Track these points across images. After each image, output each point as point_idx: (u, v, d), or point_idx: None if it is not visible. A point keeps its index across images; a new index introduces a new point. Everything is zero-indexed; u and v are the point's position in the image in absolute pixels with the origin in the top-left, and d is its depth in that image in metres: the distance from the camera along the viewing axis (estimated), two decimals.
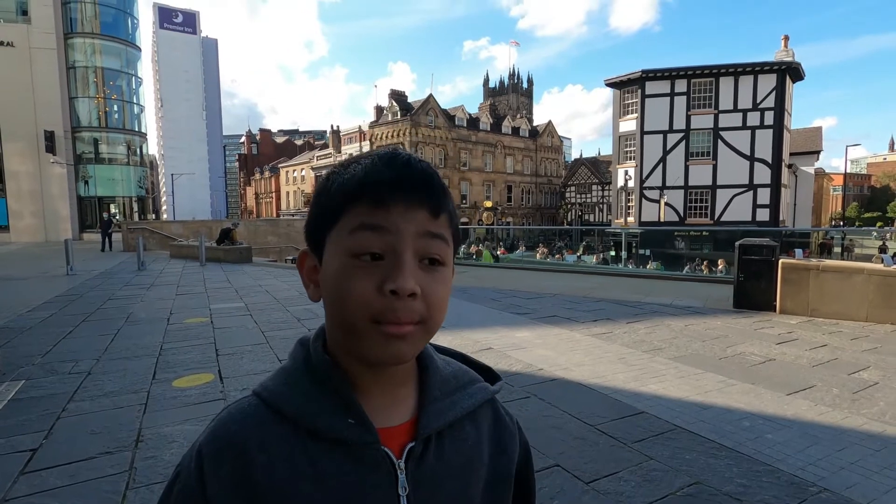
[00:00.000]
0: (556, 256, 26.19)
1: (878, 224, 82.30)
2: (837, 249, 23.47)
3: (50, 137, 29.12)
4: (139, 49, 37.25)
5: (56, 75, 29.94)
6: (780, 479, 2.31)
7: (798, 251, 6.69)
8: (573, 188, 57.11)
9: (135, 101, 36.88)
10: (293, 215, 61.75)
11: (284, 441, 0.48)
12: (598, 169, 54.06)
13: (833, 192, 79.38)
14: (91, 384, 3.74)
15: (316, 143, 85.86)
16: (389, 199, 0.47)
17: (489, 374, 0.63)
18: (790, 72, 26.28)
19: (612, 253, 23.93)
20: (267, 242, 26.62)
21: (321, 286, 0.51)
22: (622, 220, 29.48)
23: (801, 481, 2.29)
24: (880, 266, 5.93)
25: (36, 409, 3.25)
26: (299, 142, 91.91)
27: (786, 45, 27.91)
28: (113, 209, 34.34)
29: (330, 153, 58.58)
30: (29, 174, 29.21)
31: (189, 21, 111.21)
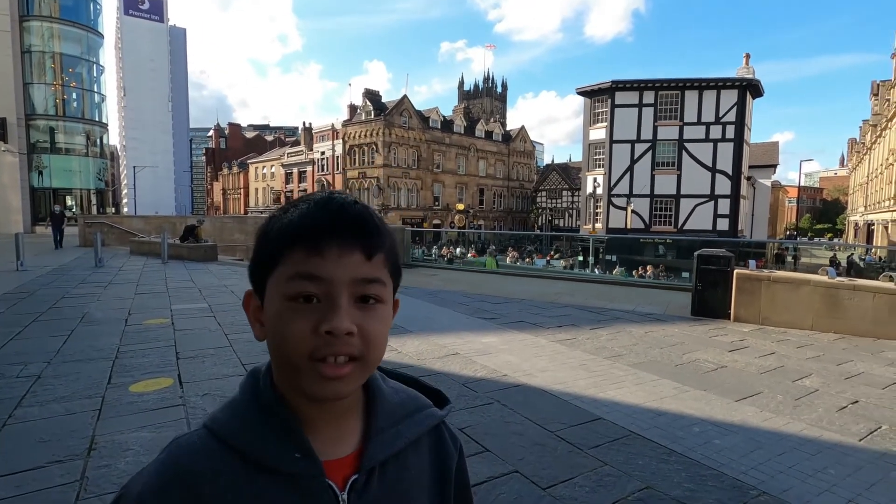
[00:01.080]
0: (527, 260, 26.54)
1: (829, 235, 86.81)
2: (791, 259, 24.67)
3: (1, 124, 27.63)
4: (101, 35, 35.77)
5: (10, 59, 28.44)
6: (724, 483, 2.44)
7: (752, 262, 7.04)
8: (544, 193, 57.99)
9: (95, 89, 35.38)
10: (261, 212, 60.43)
11: (232, 473, 0.51)
12: (569, 175, 55.07)
13: (788, 203, 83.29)
14: (41, 389, 3.59)
15: (287, 139, 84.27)
16: (323, 245, 0.50)
17: (439, 398, 0.66)
18: (750, 88, 27.48)
19: (580, 258, 24.42)
20: (234, 240, 25.96)
21: (265, 325, 0.54)
22: (590, 226, 30.16)
23: (743, 485, 2.43)
24: (825, 278, 6.29)
25: None
26: (270, 137, 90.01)
27: (747, 63, 29.16)
28: (69, 201, 32.83)
29: (301, 150, 57.63)
30: None
31: (156, 8, 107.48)
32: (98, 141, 35.84)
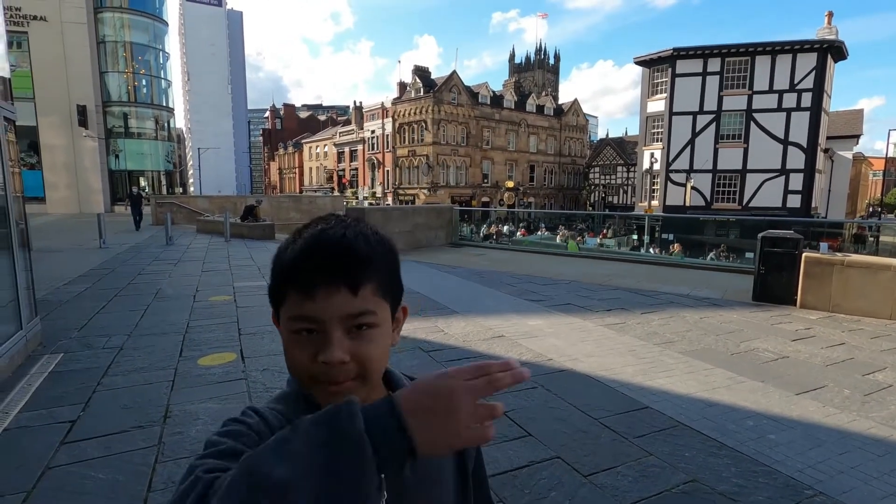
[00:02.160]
0: (578, 239, 25.93)
1: None
2: (871, 240, 22.63)
3: (82, 111, 29.87)
4: (166, 23, 37.59)
5: (87, 50, 30.50)
6: (776, 480, 2.36)
7: (823, 245, 6.54)
8: (597, 169, 56.01)
9: (162, 75, 37.41)
10: (316, 191, 62.36)
11: None
12: (624, 150, 52.79)
13: (873, 177, 75.84)
14: (123, 360, 3.98)
15: (339, 118, 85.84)
16: (312, 289, 0.56)
17: None
18: (832, 51, 24.99)
19: (635, 237, 23.56)
20: (290, 219, 27.05)
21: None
22: (646, 204, 28.93)
23: (798, 483, 2.34)
24: None
25: (74, 382, 3.50)
26: (323, 117, 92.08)
27: (829, 22, 26.47)
28: (142, 182, 35.29)
29: (352, 129, 58.56)
30: (63, 147, 30.10)
31: None
32: (166, 125, 38.09)
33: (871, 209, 61.30)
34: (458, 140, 47.92)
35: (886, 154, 47.24)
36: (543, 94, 63.49)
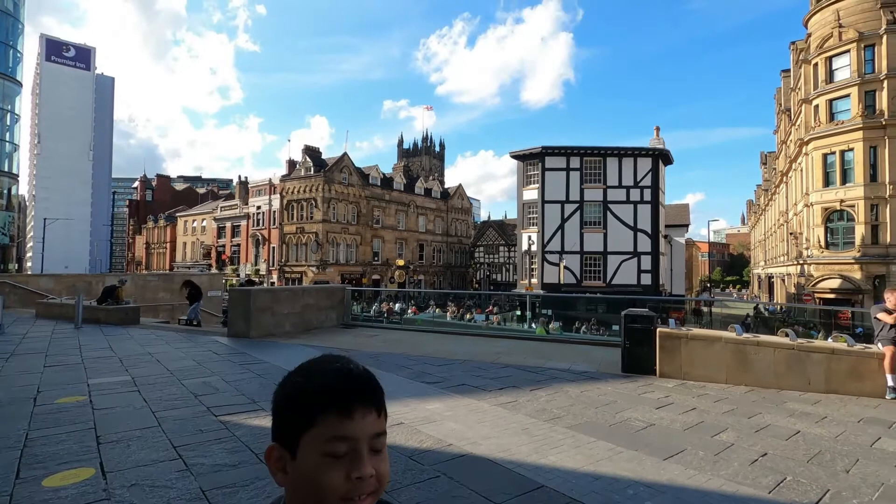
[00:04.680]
0: (468, 316, 26.84)
1: (738, 287, 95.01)
2: (706, 310, 26.76)
3: None
4: (20, 84, 33.88)
5: None
6: None
7: (672, 321, 7.65)
8: (482, 248, 59.64)
9: (7, 138, 33.02)
10: (189, 267, 57.22)
11: None
12: (505, 231, 57.28)
13: (701, 258, 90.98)
14: None
15: (221, 192, 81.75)
16: (353, 410, 0.67)
17: None
18: (662, 157, 30.63)
19: (518, 313, 25.07)
20: (158, 299, 24.31)
21: (291, 474, 0.68)
22: (527, 281, 31.25)
23: None
24: (734, 335, 6.98)
25: None
26: (202, 190, 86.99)
27: (658, 135, 32.62)
28: None
29: (236, 204, 56.05)
30: None
31: (83, 56, 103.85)
32: (5, 192, 33.03)
33: (703, 285, 72.74)
34: (349, 218, 48.26)
35: (709, 239, 56.95)
36: (431, 178, 67.51)
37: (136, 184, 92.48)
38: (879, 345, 6.25)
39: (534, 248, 31.54)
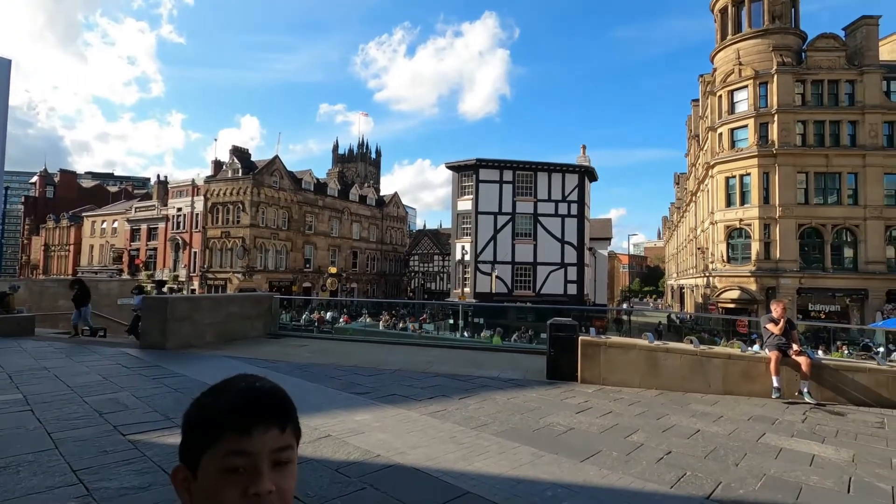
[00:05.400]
0: (400, 325, 26.71)
1: (654, 297, 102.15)
2: (626, 319, 28.57)
3: None
4: None
5: None
6: None
7: (592, 329, 8.12)
8: (417, 257, 59.74)
9: None
10: (96, 273, 52.31)
11: None
12: (440, 240, 57.81)
13: (622, 269, 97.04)
14: None
15: (136, 191, 75.69)
16: (251, 427, 0.69)
17: None
18: (587, 173, 32.46)
19: (451, 321, 25.36)
20: (57, 307, 21.99)
21: (195, 495, 0.70)
22: (460, 291, 31.71)
23: None
24: (646, 342, 7.55)
25: None
26: (114, 188, 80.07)
27: (584, 153, 34.55)
28: None
29: (153, 205, 52.16)
30: None
31: None
32: None
33: (623, 294, 77.52)
34: (279, 224, 46.52)
35: (629, 251, 60.83)
36: (366, 185, 66.82)
37: (35, 178, 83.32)
38: (766, 350, 7.03)
39: (467, 257, 32.13)
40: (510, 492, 3.47)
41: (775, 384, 6.69)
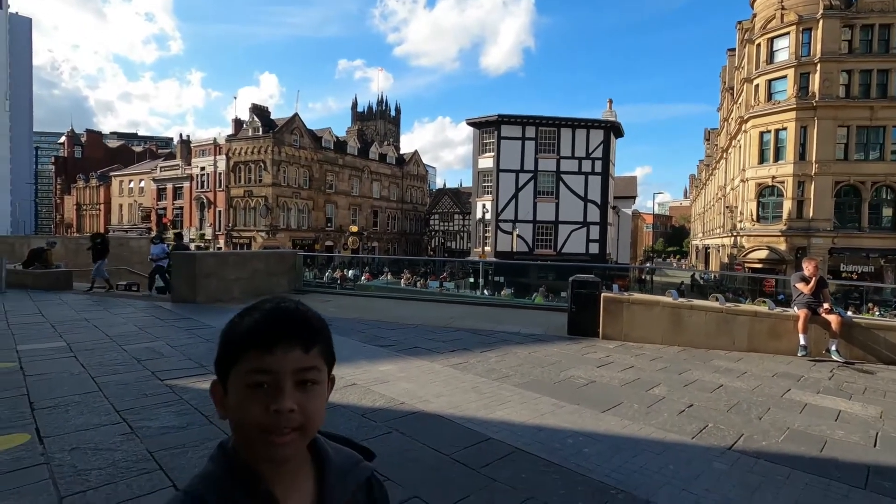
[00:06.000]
0: (420, 283, 27.03)
1: (677, 257, 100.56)
2: (649, 279, 28.29)
3: None
4: None
5: None
6: (591, 486, 2.86)
7: (615, 286, 8.06)
8: (437, 216, 59.62)
9: None
10: (126, 231, 53.93)
11: None
12: (460, 199, 57.38)
13: (646, 229, 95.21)
14: None
15: (160, 151, 76.64)
16: (273, 345, 0.69)
17: (367, 453, 0.88)
18: (613, 129, 31.34)
19: (472, 280, 25.50)
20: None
21: (227, 409, 0.71)
22: (480, 249, 31.70)
23: (606, 486, 2.86)
24: (670, 299, 7.46)
25: None
26: (138, 148, 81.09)
27: (610, 108, 33.24)
28: None
29: (178, 164, 52.83)
30: None
31: None
32: None
33: (647, 254, 76.46)
34: (300, 182, 46.72)
35: (654, 211, 59.45)
36: (386, 143, 66.10)
37: (63, 139, 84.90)
38: (795, 308, 6.88)
39: (488, 216, 31.88)
40: (531, 438, 3.55)
41: (802, 342, 6.58)
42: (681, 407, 4.38)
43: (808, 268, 7.00)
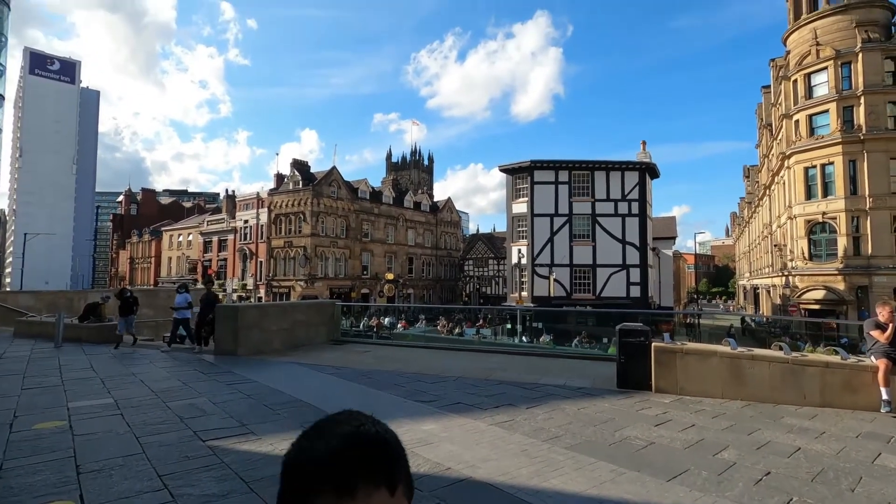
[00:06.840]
0: (456, 331, 26.66)
1: (724, 298, 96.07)
2: (696, 322, 26.93)
3: None
4: (2, 97, 33.41)
5: None
6: None
7: (666, 335, 7.62)
8: (471, 262, 59.62)
9: None
10: (174, 283, 56.32)
11: None
12: (494, 244, 57.38)
13: (688, 269, 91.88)
14: None
15: (207, 206, 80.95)
16: (354, 487, 0.55)
17: None
18: (648, 170, 30.99)
19: (508, 326, 24.95)
20: (142, 315, 23.76)
21: None
22: (517, 295, 31.19)
23: None
24: (728, 349, 6.96)
25: None
26: (188, 204, 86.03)
27: (644, 149, 33.05)
28: None
29: (223, 218, 55.50)
30: None
31: (67, 70, 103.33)
32: None
33: (690, 296, 73.35)
34: (338, 232, 48.01)
35: (695, 251, 57.63)
36: (420, 191, 67.66)
37: (121, 198, 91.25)
38: (872, 358, 6.27)
39: (523, 261, 31.57)
40: None
41: (884, 396, 5.95)
42: (756, 475, 3.94)
43: (882, 313, 6.42)
